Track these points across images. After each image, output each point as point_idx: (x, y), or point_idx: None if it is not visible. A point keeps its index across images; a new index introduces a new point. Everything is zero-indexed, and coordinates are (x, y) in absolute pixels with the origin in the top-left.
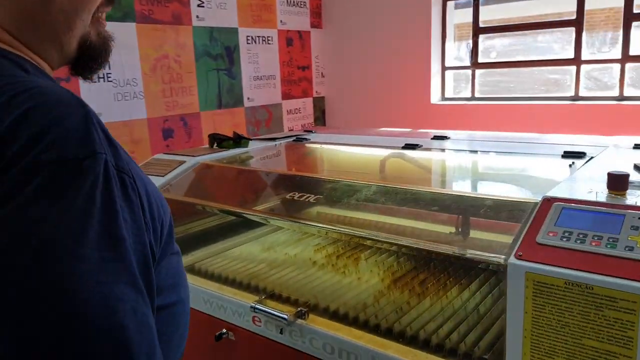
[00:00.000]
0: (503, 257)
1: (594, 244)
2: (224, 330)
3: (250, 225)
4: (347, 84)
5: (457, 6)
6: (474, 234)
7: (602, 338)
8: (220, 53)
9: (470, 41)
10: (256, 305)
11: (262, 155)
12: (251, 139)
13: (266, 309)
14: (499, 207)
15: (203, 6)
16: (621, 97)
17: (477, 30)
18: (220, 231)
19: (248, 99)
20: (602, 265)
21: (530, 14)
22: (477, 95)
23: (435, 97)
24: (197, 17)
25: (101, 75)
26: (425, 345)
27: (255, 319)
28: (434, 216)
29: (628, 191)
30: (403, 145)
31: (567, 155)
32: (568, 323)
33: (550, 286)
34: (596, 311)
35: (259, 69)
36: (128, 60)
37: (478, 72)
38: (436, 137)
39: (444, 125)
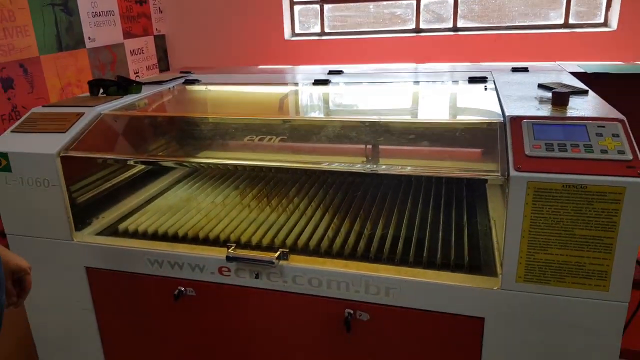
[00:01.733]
0: (498, 173)
1: (574, 151)
2: (182, 288)
3: (164, 172)
4: (189, 20)
5: None
6: (458, 156)
7: (590, 226)
8: None
9: None
10: (232, 255)
11: (161, 100)
12: (142, 83)
13: (248, 257)
14: (469, 131)
15: None
16: (455, 29)
17: None
18: (135, 185)
19: (89, 38)
20: (590, 167)
21: None
22: (326, 30)
23: (287, 34)
24: None
25: None
26: (417, 264)
27: (222, 269)
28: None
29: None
30: (313, 81)
31: (473, 80)
32: (562, 219)
33: (549, 190)
34: (587, 205)
35: (96, 3)
36: None
37: (327, 7)
38: (332, 72)
39: (296, 61)
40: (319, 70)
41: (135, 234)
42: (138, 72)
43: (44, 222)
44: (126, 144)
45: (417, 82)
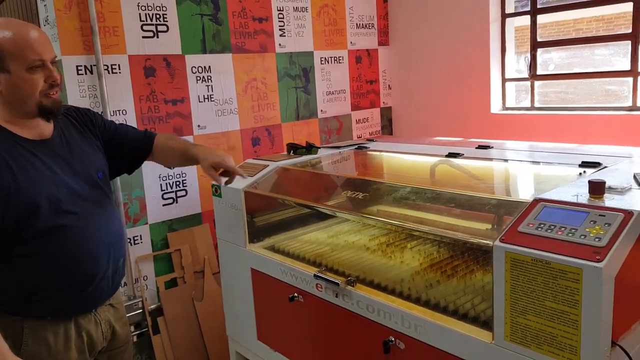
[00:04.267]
0: (491, 241)
1: (558, 232)
2: (295, 294)
3: (319, 216)
4: (411, 94)
5: (515, 14)
6: (479, 225)
7: (557, 300)
8: (298, 74)
9: (529, 54)
10: (318, 274)
11: (329, 160)
12: (320, 147)
13: (325, 277)
14: (501, 205)
15: (284, 36)
16: None
17: (535, 44)
18: (296, 221)
19: (321, 111)
20: (559, 247)
21: (586, 16)
22: (537, 105)
23: (496, 107)
24: (279, 45)
25: (206, 96)
26: (443, 310)
27: (318, 285)
28: (457, 213)
29: (605, 195)
30: (447, 153)
31: (583, 165)
32: (535, 290)
33: (522, 262)
34: (553, 280)
35: (331, 85)
36: (226, 84)
37: (537, 83)
38: (480, 147)
39: (503, 135)
40: (482, 144)
41: (283, 252)
42: (361, 136)
43: (233, 233)
44: (290, 190)
45: (534, 162)
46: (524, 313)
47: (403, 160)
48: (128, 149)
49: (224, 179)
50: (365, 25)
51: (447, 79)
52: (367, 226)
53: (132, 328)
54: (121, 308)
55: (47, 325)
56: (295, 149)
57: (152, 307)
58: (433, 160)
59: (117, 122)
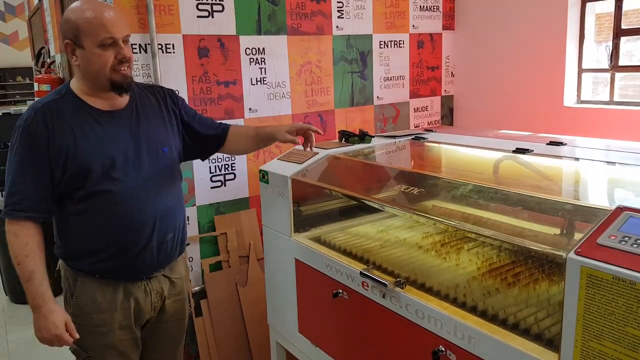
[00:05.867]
0: (565, 252)
1: None
2: (340, 290)
3: (369, 209)
4: (476, 83)
5: None
6: (549, 231)
7: None
8: (355, 58)
9: (610, 43)
10: (364, 272)
11: (382, 150)
12: (374, 136)
13: (372, 276)
14: (576, 211)
15: (342, 17)
16: None
17: (619, 32)
18: (344, 212)
19: (377, 97)
20: None
21: None
22: (616, 99)
23: (570, 100)
24: (337, 27)
25: (259, 79)
26: (502, 323)
27: (364, 283)
28: (523, 216)
29: None
30: (514, 149)
31: None
32: (614, 312)
33: (600, 279)
34: (638, 304)
35: (390, 70)
36: (279, 67)
37: (618, 75)
38: (552, 143)
39: (577, 131)
40: (554, 140)
41: (329, 244)
42: (418, 126)
43: (279, 221)
44: (339, 180)
45: (612, 163)
46: (599, 337)
47: (464, 154)
48: (204, 138)
49: (303, 143)
50: (430, 8)
51: (517, 67)
52: (420, 223)
53: None
54: (180, 283)
55: (96, 283)
56: (347, 136)
57: (196, 289)
58: (498, 155)
59: (196, 111)
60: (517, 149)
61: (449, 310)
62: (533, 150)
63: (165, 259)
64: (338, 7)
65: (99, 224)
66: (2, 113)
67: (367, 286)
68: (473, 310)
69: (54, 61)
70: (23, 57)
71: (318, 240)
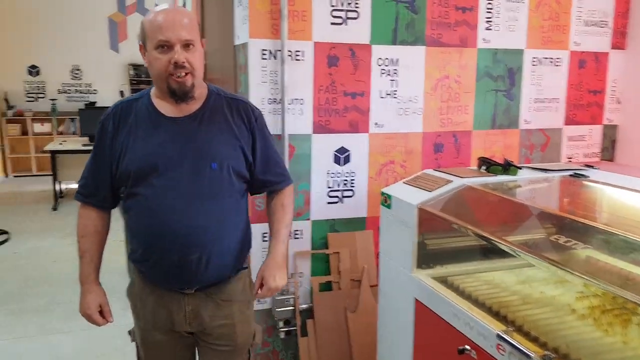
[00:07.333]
0: None
1: None
2: (467, 347)
3: (507, 254)
4: None
5: None
6: None
7: None
8: (501, 74)
9: None
10: (503, 335)
11: (531, 187)
12: (521, 167)
13: (512, 342)
14: None
15: (490, 29)
16: None
17: None
18: (476, 252)
19: (525, 121)
20: None
21: None
22: None
23: None
24: (483, 39)
25: (389, 92)
26: None
27: (500, 347)
28: None
29: None
30: None
31: None
32: None
33: None
34: None
35: (542, 91)
36: (413, 80)
37: None
38: None
39: None
40: None
41: (457, 289)
42: (572, 158)
43: (399, 252)
44: (475, 215)
45: None
46: None
47: (637, 201)
48: (256, 176)
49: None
50: (597, 23)
51: None
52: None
53: (281, 324)
54: (229, 308)
55: (140, 279)
56: (488, 165)
57: (303, 306)
58: None
59: (271, 149)
60: None
61: None
62: None
63: (191, 278)
64: (487, 18)
65: (133, 224)
66: None
67: (504, 351)
68: None
69: None
70: None
71: (444, 281)
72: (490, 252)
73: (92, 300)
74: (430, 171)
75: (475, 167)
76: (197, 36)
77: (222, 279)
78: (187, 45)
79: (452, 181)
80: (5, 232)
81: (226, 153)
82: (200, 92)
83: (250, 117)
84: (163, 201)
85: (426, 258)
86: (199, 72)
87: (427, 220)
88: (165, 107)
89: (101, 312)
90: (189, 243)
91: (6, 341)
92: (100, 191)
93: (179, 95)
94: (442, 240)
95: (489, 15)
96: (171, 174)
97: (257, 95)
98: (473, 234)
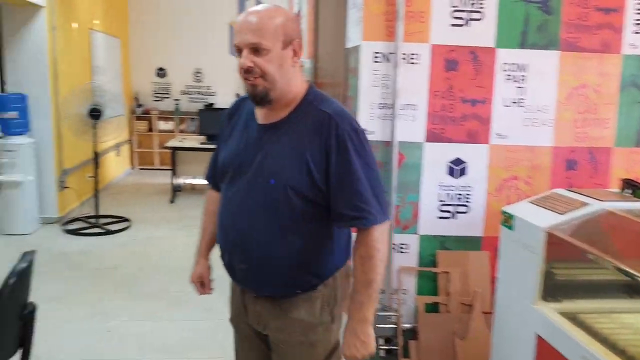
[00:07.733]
0: None
1: None
2: None
3: None
4: None
5: None
6: None
7: None
8: None
9: None
10: None
11: None
12: None
13: None
14: None
15: (639, 33)
16: None
17: None
18: (614, 289)
19: None
20: None
21: None
22: None
23: None
24: (630, 44)
25: (515, 100)
26: None
27: None
28: None
29: None
30: None
31: None
32: None
33: None
34: None
35: None
36: (544, 88)
37: None
38: None
39: None
40: None
41: (588, 328)
42: None
43: (520, 280)
44: (615, 245)
45: None
46: None
47: None
48: (331, 205)
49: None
50: None
51: None
52: None
53: (382, 341)
54: (289, 325)
55: None
56: (634, 188)
57: (406, 325)
58: None
59: (354, 175)
60: None
61: None
62: None
63: (242, 283)
64: (635, 20)
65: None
66: None
67: None
68: None
69: (303, 65)
70: None
71: (572, 317)
72: (632, 289)
73: (195, 271)
74: (561, 191)
75: (616, 190)
76: (273, 39)
77: (276, 294)
78: (255, 49)
79: (588, 204)
80: (127, 220)
81: (289, 171)
82: (290, 99)
83: (329, 135)
84: (226, 204)
85: (553, 290)
86: (273, 77)
87: (556, 247)
88: (260, 112)
89: (203, 284)
90: (239, 252)
91: (119, 321)
92: (214, 176)
93: (254, 99)
94: (573, 271)
95: (639, 17)
96: (237, 179)
97: (367, 99)
98: (612, 267)
